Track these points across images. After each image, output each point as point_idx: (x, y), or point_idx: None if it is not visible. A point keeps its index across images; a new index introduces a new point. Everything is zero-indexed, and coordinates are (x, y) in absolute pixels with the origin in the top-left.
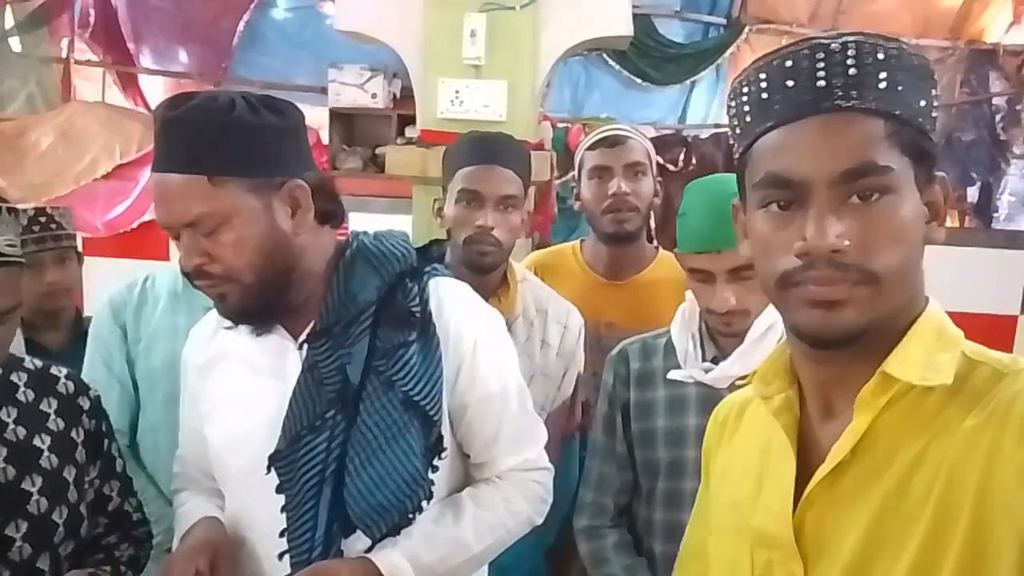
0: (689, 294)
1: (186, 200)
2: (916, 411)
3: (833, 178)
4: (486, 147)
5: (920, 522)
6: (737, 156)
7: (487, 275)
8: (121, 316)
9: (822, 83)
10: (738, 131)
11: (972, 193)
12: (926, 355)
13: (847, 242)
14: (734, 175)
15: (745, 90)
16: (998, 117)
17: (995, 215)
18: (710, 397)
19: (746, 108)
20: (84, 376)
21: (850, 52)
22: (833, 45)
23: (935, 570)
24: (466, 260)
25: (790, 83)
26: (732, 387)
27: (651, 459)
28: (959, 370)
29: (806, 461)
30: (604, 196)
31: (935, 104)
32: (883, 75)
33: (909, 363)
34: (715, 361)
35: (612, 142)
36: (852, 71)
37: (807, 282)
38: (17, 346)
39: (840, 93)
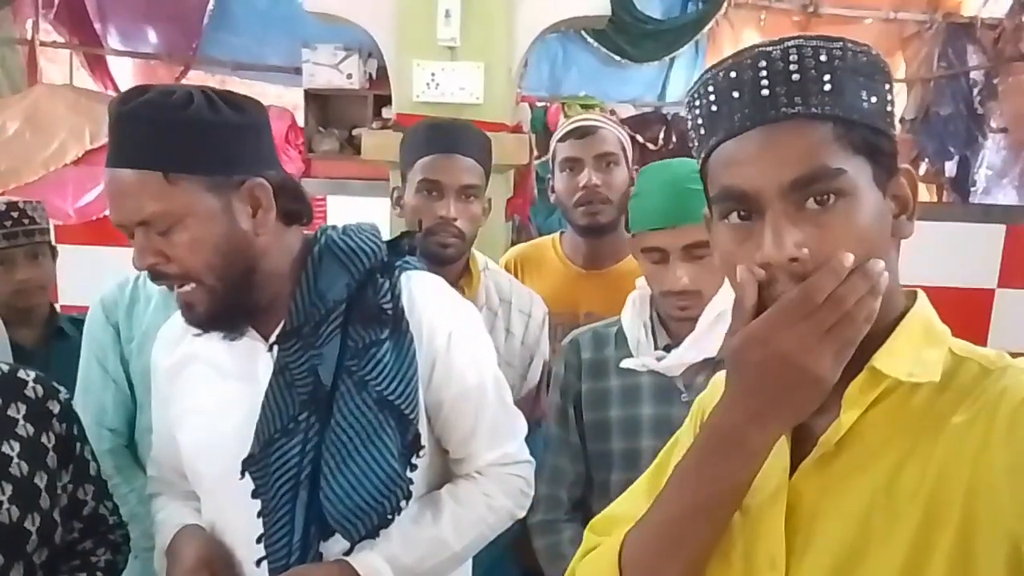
0: (640, 282)
1: (140, 197)
2: (903, 407)
3: (784, 188)
4: (446, 135)
5: (909, 519)
6: (699, 168)
7: (449, 265)
8: (114, 315)
9: (766, 92)
10: (695, 143)
11: (950, 167)
12: (914, 351)
13: (805, 251)
14: (683, 160)
15: (697, 103)
16: (975, 91)
17: (972, 189)
18: (663, 386)
19: (699, 121)
20: (80, 376)
21: (792, 57)
22: (775, 52)
23: (925, 566)
24: (427, 252)
25: (736, 94)
26: (686, 374)
27: (604, 450)
28: (946, 367)
29: (798, 451)
30: (575, 188)
31: (890, 99)
32: (827, 77)
33: (897, 359)
34: (667, 349)
35: (582, 133)
36: (795, 76)
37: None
38: (4, 349)
39: (784, 101)
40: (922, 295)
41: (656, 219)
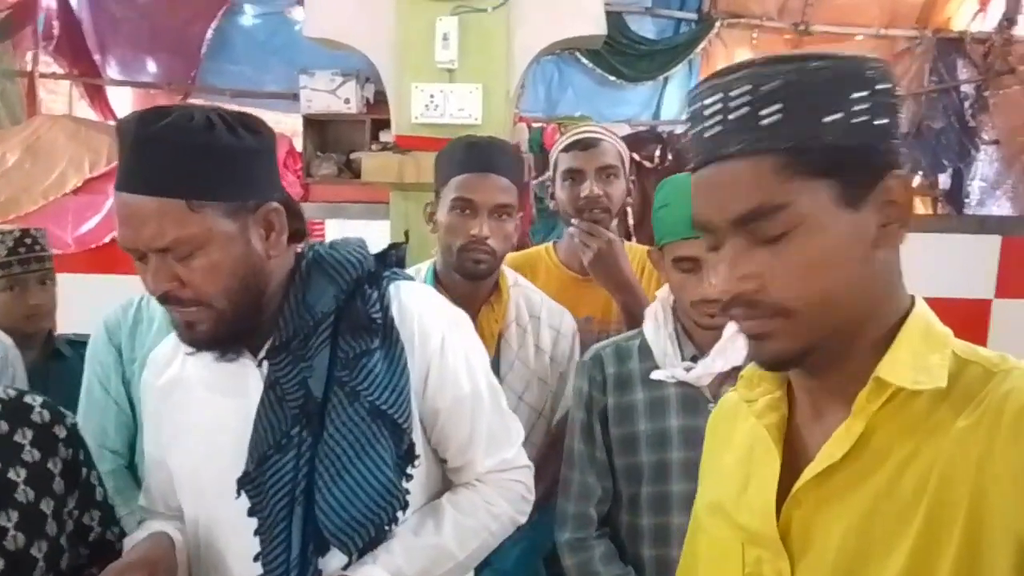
0: (660, 293)
1: (161, 224)
2: (907, 412)
3: (732, 223)
4: (480, 154)
5: (912, 523)
6: None
7: (480, 282)
8: (116, 337)
9: (712, 131)
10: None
11: (943, 180)
12: (916, 357)
13: (750, 285)
14: None
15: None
16: (966, 104)
17: (966, 200)
18: (690, 396)
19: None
20: (82, 397)
21: (735, 91)
22: (721, 84)
23: (931, 572)
24: (460, 268)
25: (695, 128)
26: (712, 384)
27: (634, 464)
28: (950, 370)
29: (794, 460)
30: (576, 198)
31: (865, 106)
32: (774, 108)
33: (901, 367)
34: (694, 359)
35: (584, 145)
36: (742, 111)
37: (731, 318)
38: (21, 376)
39: (725, 139)
40: (920, 300)
41: (688, 228)
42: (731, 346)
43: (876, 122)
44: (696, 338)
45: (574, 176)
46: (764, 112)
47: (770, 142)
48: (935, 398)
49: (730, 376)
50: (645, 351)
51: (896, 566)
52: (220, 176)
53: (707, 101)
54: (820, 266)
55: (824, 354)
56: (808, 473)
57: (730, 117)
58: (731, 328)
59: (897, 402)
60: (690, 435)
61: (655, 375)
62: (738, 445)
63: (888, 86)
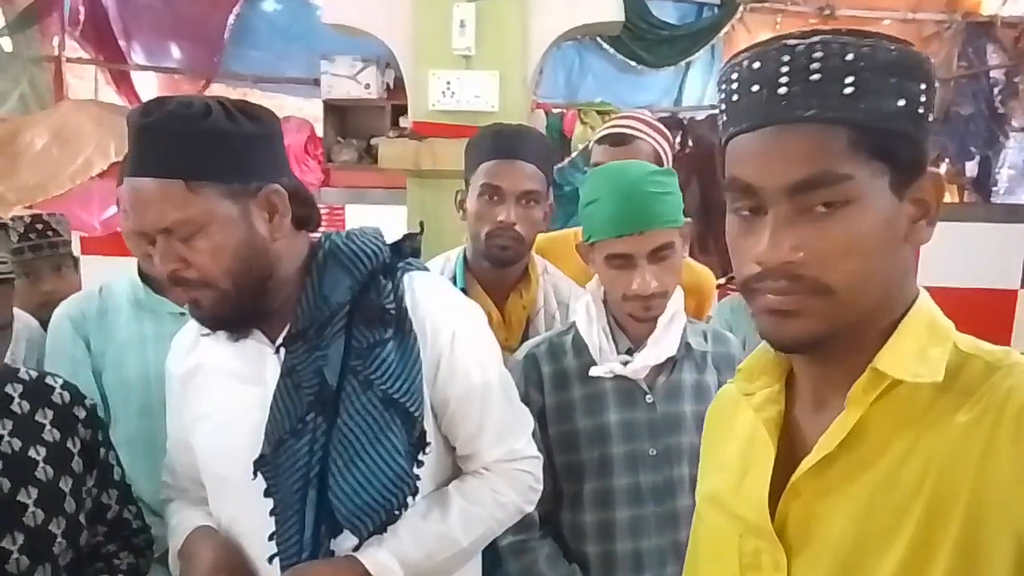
0: (590, 286)
1: (162, 206)
2: (906, 405)
3: (788, 188)
4: (508, 141)
5: (911, 516)
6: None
7: (508, 269)
8: (83, 329)
9: (783, 90)
10: (720, 126)
11: (971, 167)
12: (918, 350)
13: (800, 254)
14: (634, 161)
15: (723, 87)
16: (996, 90)
17: (994, 189)
18: (627, 390)
19: (723, 107)
20: None
21: (816, 55)
22: (799, 47)
23: (928, 565)
24: (487, 254)
25: (755, 88)
26: (648, 376)
27: (574, 461)
28: (951, 364)
29: (793, 453)
30: None
31: (922, 99)
32: (849, 80)
33: (901, 359)
34: (629, 352)
35: (617, 140)
36: (815, 77)
37: (763, 291)
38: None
39: (799, 102)
40: (924, 292)
41: (621, 226)
42: (665, 336)
43: (928, 117)
44: (629, 330)
45: None
46: (846, 82)
47: (847, 112)
48: (936, 391)
49: (664, 367)
50: (579, 346)
51: (895, 558)
52: (218, 158)
53: (783, 58)
54: (864, 248)
55: (838, 342)
56: (805, 464)
57: (810, 79)
58: (664, 318)
59: (897, 394)
60: (629, 428)
61: (593, 372)
62: (738, 436)
63: (937, 84)
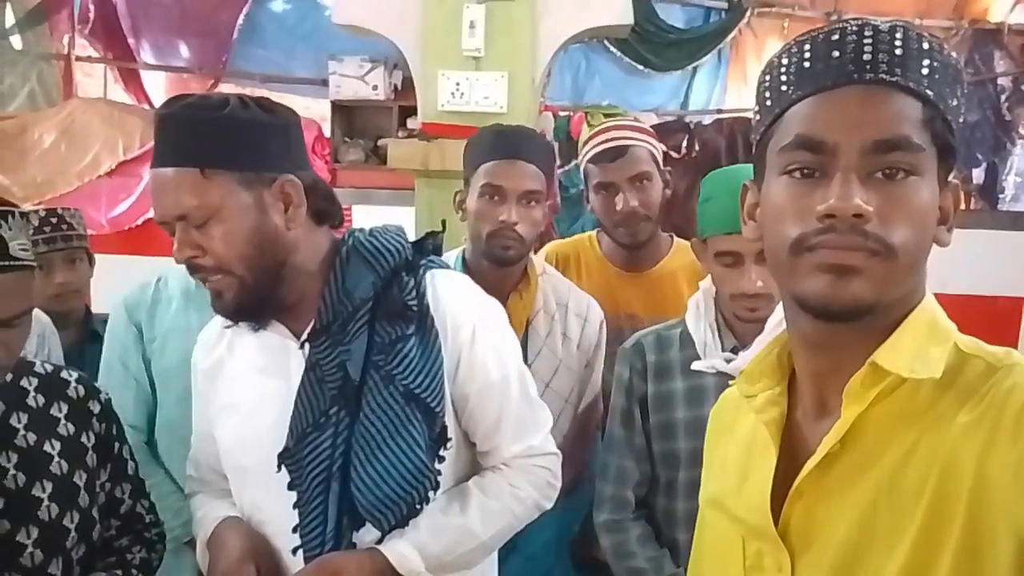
0: (703, 284)
1: (178, 192)
2: (907, 404)
3: (866, 146)
4: (509, 141)
5: (914, 517)
6: (762, 131)
7: (508, 269)
8: (136, 315)
9: (868, 55)
10: (768, 103)
11: (977, 174)
12: (918, 348)
13: (870, 208)
14: (750, 165)
15: (784, 61)
16: (1003, 97)
17: (1001, 196)
18: (727, 386)
19: (782, 78)
20: (101, 374)
21: (897, 35)
22: (882, 26)
23: (931, 565)
24: (488, 254)
25: (835, 53)
26: None
27: (671, 450)
28: (952, 363)
29: (795, 455)
30: (612, 211)
31: (961, 104)
32: (926, 62)
33: (899, 355)
34: (734, 351)
35: (613, 155)
36: (899, 51)
37: (823, 245)
38: (56, 350)
39: (885, 67)
40: (930, 295)
41: (731, 223)
42: (770, 338)
43: (962, 122)
44: (736, 329)
45: (607, 188)
46: (923, 63)
47: (927, 87)
48: (936, 391)
49: None
50: (686, 340)
51: (898, 559)
52: (232, 147)
53: (865, 32)
54: (922, 221)
55: (874, 320)
56: (810, 465)
57: (896, 50)
58: (773, 320)
59: (898, 394)
60: None
61: (695, 366)
62: (740, 439)
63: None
